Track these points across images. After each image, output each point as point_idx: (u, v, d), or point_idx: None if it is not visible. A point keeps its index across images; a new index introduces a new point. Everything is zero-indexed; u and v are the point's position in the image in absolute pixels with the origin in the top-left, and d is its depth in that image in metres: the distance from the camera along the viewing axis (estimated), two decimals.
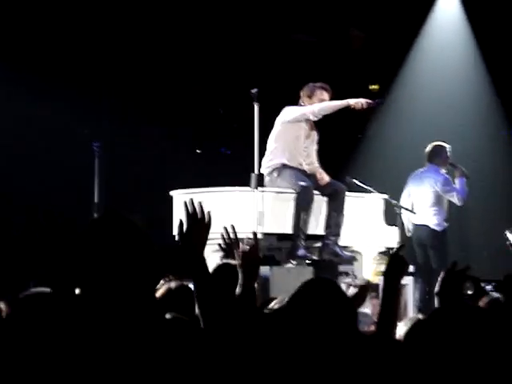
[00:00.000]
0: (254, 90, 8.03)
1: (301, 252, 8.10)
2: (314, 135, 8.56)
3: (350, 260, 8.41)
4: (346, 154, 11.73)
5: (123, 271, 2.55)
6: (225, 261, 4.08)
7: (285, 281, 7.70)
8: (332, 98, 8.41)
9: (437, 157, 9.79)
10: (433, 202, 9.74)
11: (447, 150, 9.82)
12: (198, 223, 3.07)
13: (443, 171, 9.83)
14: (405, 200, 9.77)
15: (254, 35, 11.41)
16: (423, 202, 9.75)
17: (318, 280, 3.22)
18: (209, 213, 3.06)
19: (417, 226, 9.78)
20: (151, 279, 2.64)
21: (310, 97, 8.37)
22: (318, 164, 8.59)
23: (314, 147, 8.60)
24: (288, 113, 8.34)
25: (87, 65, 10.38)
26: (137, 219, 2.69)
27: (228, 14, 11.14)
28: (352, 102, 8.28)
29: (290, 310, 2.93)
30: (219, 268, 4.05)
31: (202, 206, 3.10)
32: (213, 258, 7.77)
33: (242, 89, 8.53)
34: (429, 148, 9.85)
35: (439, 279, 3.46)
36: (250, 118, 8.05)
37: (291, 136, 8.37)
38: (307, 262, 8.23)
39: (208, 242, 8.33)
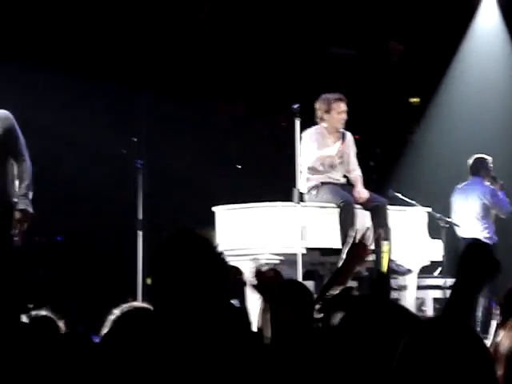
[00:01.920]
0: (296, 106, 8.02)
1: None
2: (348, 141, 8.48)
3: (406, 273, 8.36)
4: (390, 167, 11.69)
5: (199, 287, 2.57)
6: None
7: None
8: (349, 106, 8.36)
9: (481, 169, 9.71)
10: (482, 215, 9.62)
11: (489, 162, 9.75)
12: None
13: (487, 183, 9.75)
14: (452, 216, 9.69)
15: (294, 50, 11.43)
16: (471, 215, 9.62)
17: (369, 296, 3.18)
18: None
19: (467, 240, 9.65)
20: (223, 295, 2.66)
21: (328, 111, 8.32)
22: (359, 171, 8.52)
23: (353, 151, 8.53)
24: (303, 149, 8.26)
25: (125, 80, 10.45)
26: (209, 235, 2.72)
27: (268, 30, 11.18)
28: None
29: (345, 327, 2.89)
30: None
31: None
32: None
33: (284, 104, 8.54)
34: (472, 161, 9.77)
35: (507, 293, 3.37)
36: (292, 132, 8.05)
37: (319, 160, 8.34)
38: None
39: (251, 257, 8.29)
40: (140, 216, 8.46)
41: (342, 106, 8.33)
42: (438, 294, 9.04)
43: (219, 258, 2.65)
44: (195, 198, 10.07)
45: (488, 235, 9.63)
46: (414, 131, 12.43)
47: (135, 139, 10.48)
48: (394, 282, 8.32)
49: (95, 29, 10.36)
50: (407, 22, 11.76)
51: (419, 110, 12.32)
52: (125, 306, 3.27)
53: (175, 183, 10.51)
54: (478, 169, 9.71)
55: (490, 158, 9.77)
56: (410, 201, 8.82)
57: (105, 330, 3.17)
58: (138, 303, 3.41)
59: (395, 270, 8.20)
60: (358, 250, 3.87)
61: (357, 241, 3.90)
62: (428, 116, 12.18)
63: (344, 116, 8.35)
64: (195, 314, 2.54)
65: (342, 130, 8.46)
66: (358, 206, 8.30)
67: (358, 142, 8.89)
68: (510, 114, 11.77)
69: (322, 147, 8.32)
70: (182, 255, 2.59)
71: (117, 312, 3.25)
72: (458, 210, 9.72)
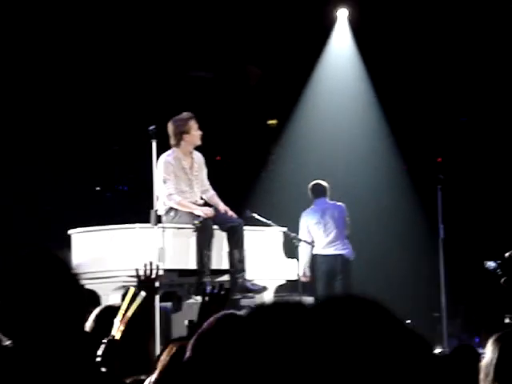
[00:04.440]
0: (152, 127, 8.04)
1: (209, 288, 8.10)
2: (199, 162, 8.59)
3: (262, 290, 8.47)
4: (246, 188, 11.84)
5: (52, 310, 2.48)
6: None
7: (186, 316, 7.69)
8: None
9: (326, 191, 10.05)
10: (345, 232, 9.95)
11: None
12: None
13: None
14: (304, 235, 9.86)
15: (152, 72, 11.45)
16: (336, 231, 9.89)
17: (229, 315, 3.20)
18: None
19: (328, 257, 9.85)
20: (79, 317, 2.57)
21: (188, 132, 8.44)
22: (212, 190, 8.63)
23: (204, 171, 8.66)
24: (158, 175, 8.28)
25: None
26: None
27: (124, 50, 11.16)
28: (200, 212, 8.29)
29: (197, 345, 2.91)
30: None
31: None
32: (113, 296, 7.79)
33: (140, 126, 8.54)
34: (315, 184, 10.09)
35: None
36: (148, 155, 8.06)
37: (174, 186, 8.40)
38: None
39: (109, 280, 8.19)
40: None
41: (196, 123, 8.47)
42: None
43: (75, 279, 2.56)
44: (50, 221, 9.93)
45: (350, 250, 9.93)
46: (272, 152, 12.65)
47: None
48: (251, 301, 8.41)
49: None
50: (264, 46, 11.98)
51: (277, 131, 12.56)
52: None
53: (30, 206, 10.33)
54: (324, 191, 10.03)
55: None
56: (266, 221, 8.96)
57: None
58: None
59: (251, 289, 8.30)
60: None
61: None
62: (285, 138, 12.43)
63: (200, 132, 8.48)
64: (47, 339, 2.46)
65: (192, 150, 8.57)
66: (215, 227, 8.39)
67: (218, 163, 8.99)
68: (363, 136, 12.14)
69: (179, 178, 8.38)
70: (36, 275, 2.47)
71: None
72: (315, 229, 9.91)
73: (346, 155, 11.90)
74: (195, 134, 8.44)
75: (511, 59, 11.37)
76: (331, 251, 9.86)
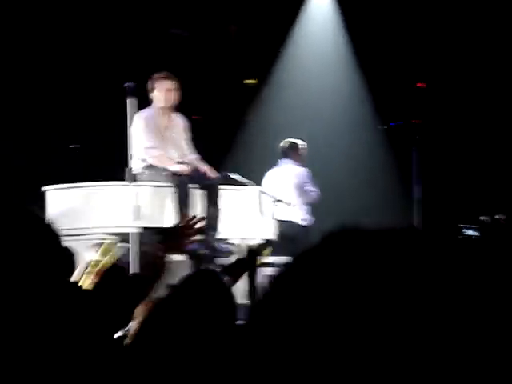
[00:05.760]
0: (128, 84, 7.91)
1: (191, 246, 8.06)
2: (178, 125, 8.46)
3: (228, 253, 8.40)
4: (223, 147, 11.78)
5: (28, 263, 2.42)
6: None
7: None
8: (181, 84, 8.33)
9: (293, 152, 9.92)
10: (302, 198, 9.81)
11: (300, 147, 9.99)
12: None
13: (300, 166, 9.98)
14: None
15: (130, 29, 11.32)
16: (287, 196, 9.75)
17: (201, 272, 3.20)
18: None
19: (283, 222, 9.72)
20: (62, 269, 2.51)
21: (152, 90, 8.28)
22: (194, 154, 8.52)
23: (183, 136, 8.53)
24: (133, 131, 8.05)
25: None
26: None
27: (102, 8, 11.03)
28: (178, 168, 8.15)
29: (173, 301, 2.90)
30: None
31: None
32: (88, 253, 7.74)
33: (118, 83, 8.43)
34: (285, 144, 9.98)
35: None
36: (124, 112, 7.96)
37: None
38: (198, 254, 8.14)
39: (84, 237, 8.13)
40: None
41: (166, 84, 8.25)
42: (269, 271, 9.17)
43: (55, 234, 2.50)
44: (24, 178, 9.85)
45: (303, 216, 9.81)
46: (250, 112, 12.58)
47: None
48: (226, 261, 8.38)
49: None
50: (242, 4, 11.88)
51: (255, 91, 12.48)
52: None
53: (2, 163, 10.24)
54: (290, 152, 9.91)
55: (302, 143, 9.97)
56: (243, 180, 8.91)
57: None
58: None
59: (217, 250, 8.22)
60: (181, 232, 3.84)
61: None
62: (264, 96, 12.35)
63: (170, 94, 8.27)
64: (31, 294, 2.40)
65: (176, 112, 8.44)
66: (192, 185, 8.32)
67: (199, 124, 8.89)
68: (342, 95, 12.10)
69: (152, 133, 8.24)
70: (14, 233, 2.42)
71: None
72: (271, 192, 9.79)
73: (324, 114, 11.85)
74: (158, 96, 8.24)
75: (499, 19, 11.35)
76: (285, 217, 9.71)
